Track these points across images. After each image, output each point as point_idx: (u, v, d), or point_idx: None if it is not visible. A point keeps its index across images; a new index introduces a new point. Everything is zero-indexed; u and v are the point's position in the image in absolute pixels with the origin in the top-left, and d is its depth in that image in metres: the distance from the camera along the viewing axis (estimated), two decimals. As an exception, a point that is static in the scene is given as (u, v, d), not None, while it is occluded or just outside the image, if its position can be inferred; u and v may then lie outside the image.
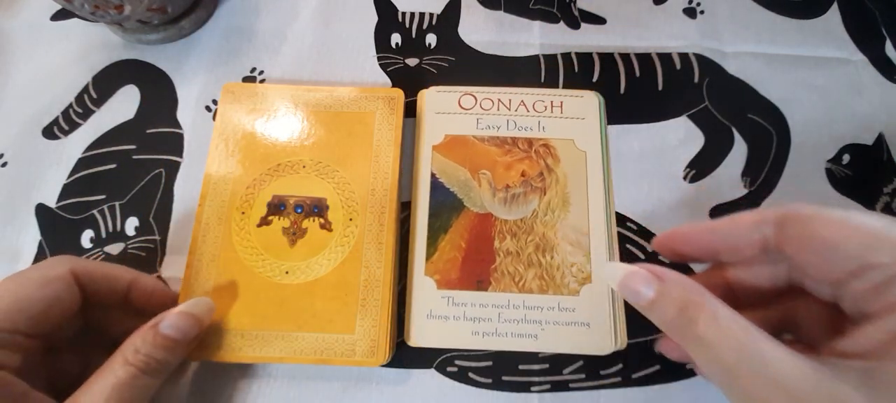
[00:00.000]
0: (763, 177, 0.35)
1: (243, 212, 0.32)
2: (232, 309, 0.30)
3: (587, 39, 0.40)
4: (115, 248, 0.33)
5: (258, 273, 0.31)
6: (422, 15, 0.41)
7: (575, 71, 0.39)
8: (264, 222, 0.32)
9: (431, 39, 0.40)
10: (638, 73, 0.39)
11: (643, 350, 0.31)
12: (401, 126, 0.35)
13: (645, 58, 0.39)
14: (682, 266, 0.29)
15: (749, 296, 0.24)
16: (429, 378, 0.31)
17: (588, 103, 0.36)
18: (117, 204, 0.34)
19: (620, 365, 0.31)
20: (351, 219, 0.32)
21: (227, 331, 0.29)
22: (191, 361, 0.30)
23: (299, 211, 0.32)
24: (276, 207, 0.32)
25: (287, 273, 0.31)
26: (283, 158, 0.34)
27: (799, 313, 0.24)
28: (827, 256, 0.20)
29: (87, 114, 0.37)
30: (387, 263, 0.31)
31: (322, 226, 0.32)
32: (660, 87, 0.38)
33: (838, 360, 0.18)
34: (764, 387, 0.18)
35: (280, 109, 0.35)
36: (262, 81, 0.38)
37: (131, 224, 0.34)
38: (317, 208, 0.32)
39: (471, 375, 0.31)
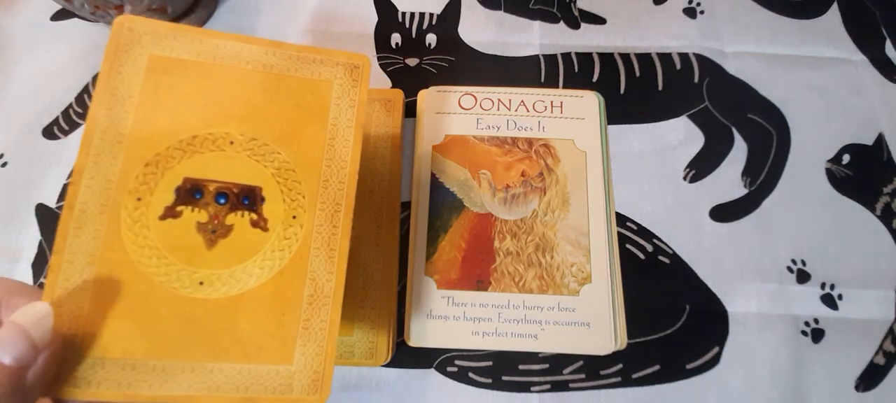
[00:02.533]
0: (763, 177, 0.35)
1: (140, 198, 0.24)
2: (118, 331, 0.22)
3: (587, 39, 0.40)
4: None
5: (159, 282, 0.23)
6: (422, 15, 0.41)
7: (575, 71, 0.39)
8: (171, 213, 0.24)
9: (431, 39, 0.40)
10: (638, 73, 0.39)
11: (643, 350, 0.31)
12: (400, 124, 0.34)
13: (645, 58, 0.39)
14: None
15: None
16: (429, 378, 0.31)
17: (588, 103, 0.36)
18: (117, 204, 0.34)
19: (620, 365, 0.31)
20: (295, 217, 0.25)
21: (111, 361, 0.22)
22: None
23: (222, 201, 0.25)
24: (190, 194, 0.24)
25: (201, 283, 0.23)
26: (203, 129, 0.25)
27: None
28: None
29: (87, 114, 0.37)
30: (388, 264, 0.30)
31: (254, 224, 0.24)
32: (660, 87, 0.38)
33: None
34: None
35: (201, 62, 0.26)
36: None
37: (131, 224, 0.34)
38: (247, 199, 0.25)
39: (471, 375, 0.31)
